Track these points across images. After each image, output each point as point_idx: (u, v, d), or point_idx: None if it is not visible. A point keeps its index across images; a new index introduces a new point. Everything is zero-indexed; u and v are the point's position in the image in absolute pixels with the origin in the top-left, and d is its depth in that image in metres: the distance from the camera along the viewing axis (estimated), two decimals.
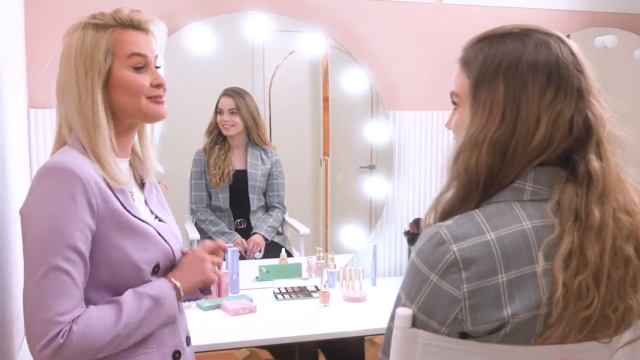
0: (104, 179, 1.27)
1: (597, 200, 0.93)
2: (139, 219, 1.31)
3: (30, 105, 2.16)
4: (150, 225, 1.33)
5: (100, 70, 1.29)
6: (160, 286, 1.31)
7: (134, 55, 1.31)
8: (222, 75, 2.62)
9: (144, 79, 1.33)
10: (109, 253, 1.25)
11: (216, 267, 1.42)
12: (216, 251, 1.45)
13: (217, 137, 2.61)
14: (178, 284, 1.33)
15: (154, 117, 1.36)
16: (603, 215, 0.93)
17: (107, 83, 1.30)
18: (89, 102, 1.27)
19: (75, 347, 1.18)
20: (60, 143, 1.34)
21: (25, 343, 1.77)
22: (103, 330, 1.21)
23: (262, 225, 2.64)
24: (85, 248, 1.22)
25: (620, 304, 0.93)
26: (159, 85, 1.35)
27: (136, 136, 1.43)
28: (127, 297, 1.26)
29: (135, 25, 1.34)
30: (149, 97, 1.33)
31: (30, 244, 1.22)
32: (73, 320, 1.19)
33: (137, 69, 1.32)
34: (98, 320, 1.21)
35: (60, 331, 1.17)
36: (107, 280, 1.27)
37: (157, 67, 1.37)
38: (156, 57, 1.37)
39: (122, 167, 1.34)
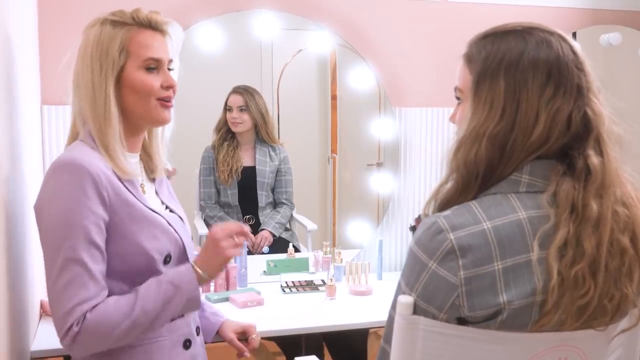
0: (114, 172, 1.29)
1: (595, 194, 0.95)
2: (149, 208, 1.33)
3: (43, 102, 2.18)
4: (160, 215, 1.35)
5: (114, 66, 1.30)
6: (180, 271, 1.31)
7: (149, 59, 1.33)
8: (231, 73, 2.61)
9: (155, 80, 1.34)
10: (122, 243, 1.28)
11: (236, 241, 1.36)
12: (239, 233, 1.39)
13: (226, 134, 2.60)
14: (198, 269, 1.32)
15: (158, 121, 1.38)
16: (601, 208, 0.94)
17: (120, 80, 1.32)
18: (102, 95, 1.30)
19: (90, 334, 1.21)
20: (73, 137, 1.37)
21: (39, 331, 1.82)
22: (118, 317, 1.23)
23: (270, 222, 2.64)
24: (99, 239, 1.24)
25: (616, 293, 0.95)
26: (169, 87, 1.36)
27: (147, 134, 1.45)
28: (146, 284, 1.28)
29: (152, 26, 1.35)
30: (159, 99, 1.35)
31: (46, 239, 1.25)
32: (89, 309, 1.21)
33: (150, 69, 1.34)
34: (114, 307, 1.23)
35: (77, 320, 1.20)
36: (121, 271, 1.29)
37: (170, 70, 1.38)
38: (170, 61, 1.39)
39: (131, 161, 1.36)
